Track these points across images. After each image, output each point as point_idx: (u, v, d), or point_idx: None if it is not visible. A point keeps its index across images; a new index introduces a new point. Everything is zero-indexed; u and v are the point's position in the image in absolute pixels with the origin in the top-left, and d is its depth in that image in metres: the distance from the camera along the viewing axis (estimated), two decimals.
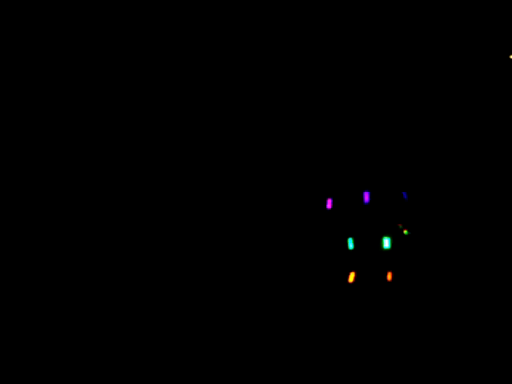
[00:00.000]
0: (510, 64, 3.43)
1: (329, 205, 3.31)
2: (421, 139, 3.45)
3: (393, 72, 3.47)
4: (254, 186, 3.42)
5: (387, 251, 3.30)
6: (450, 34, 3.44)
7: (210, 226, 3.39)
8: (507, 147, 3.42)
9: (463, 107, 3.45)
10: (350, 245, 3.30)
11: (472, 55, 3.44)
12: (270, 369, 3.16)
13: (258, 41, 3.48)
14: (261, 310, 3.29)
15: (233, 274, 3.35)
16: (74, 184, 3.40)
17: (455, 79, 3.45)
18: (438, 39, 3.45)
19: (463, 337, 3.22)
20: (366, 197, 3.31)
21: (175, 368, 3.19)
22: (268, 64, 3.48)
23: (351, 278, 3.27)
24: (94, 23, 3.45)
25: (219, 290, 3.32)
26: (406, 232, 3.29)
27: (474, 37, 3.43)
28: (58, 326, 3.25)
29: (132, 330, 3.27)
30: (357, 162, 3.40)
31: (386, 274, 3.30)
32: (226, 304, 3.30)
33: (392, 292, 3.28)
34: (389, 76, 3.47)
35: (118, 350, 3.22)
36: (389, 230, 3.30)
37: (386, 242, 3.28)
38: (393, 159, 3.43)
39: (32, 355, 3.18)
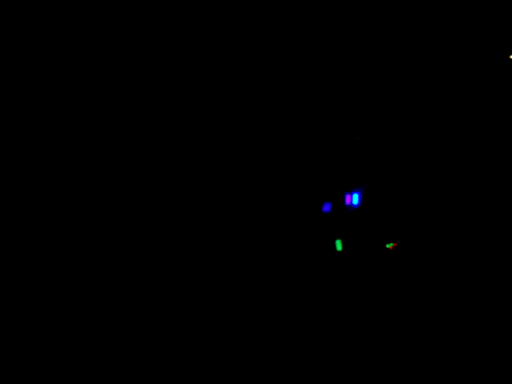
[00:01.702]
0: (509, 64, 3.43)
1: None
2: (420, 139, 3.46)
3: (393, 72, 3.48)
4: (249, 185, 3.43)
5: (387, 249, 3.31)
6: (450, 34, 3.45)
7: (210, 224, 3.40)
8: (507, 147, 3.42)
9: (463, 107, 3.46)
10: (339, 246, 3.31)
11: (472, 55, 3.45)
12: (268, 359, 3.16)
13: (258, 41, 3.49)
14: (258, 301, 3.30)
15: (231, 269, 3.36)
16: (73, 183, 3.41)
17: (455, 79, 3.46)
18: (438, 39, 3.46)
19: (463, 336, 3.22)
20: (348, 199, 3.32)
21: (175, 368, 3.19)
22: (268, 64, 3.49)
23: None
24: (94, 23, 3.46)
25: (219, 281, 3.34)
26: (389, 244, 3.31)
27: (474, 37, 3.44)
28: (57, 325, 3.26)
29: (132, 330, 3.27)
30: (350, 164, 3.42)
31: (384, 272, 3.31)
32: (225, 293, 3.32)
33: (391, 290, 3.29)
34: (389, 76, 3.48)
35: (118, 350, 3.23)
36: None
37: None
38: (389, 159, 3.44)
39: (32, 355, 3.19)
